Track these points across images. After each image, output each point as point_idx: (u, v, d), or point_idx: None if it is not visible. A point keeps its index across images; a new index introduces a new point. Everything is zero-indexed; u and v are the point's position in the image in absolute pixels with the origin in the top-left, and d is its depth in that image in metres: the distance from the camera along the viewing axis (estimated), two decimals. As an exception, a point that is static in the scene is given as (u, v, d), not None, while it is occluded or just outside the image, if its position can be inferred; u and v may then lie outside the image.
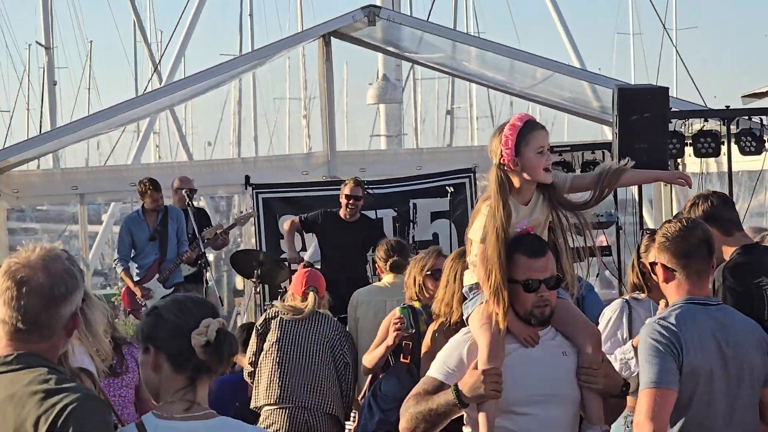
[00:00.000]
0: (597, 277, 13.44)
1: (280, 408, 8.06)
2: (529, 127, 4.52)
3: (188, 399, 3.54)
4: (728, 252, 6.01)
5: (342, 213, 11.64)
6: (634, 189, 13.09)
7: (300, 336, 8.19)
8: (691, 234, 4.74)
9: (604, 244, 13.11)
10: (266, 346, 8.21)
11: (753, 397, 4.67)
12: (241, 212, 13.50)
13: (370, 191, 12.04)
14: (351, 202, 11.51)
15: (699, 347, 4.55)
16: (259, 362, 8.22)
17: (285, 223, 12.12)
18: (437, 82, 59.79)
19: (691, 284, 4.71)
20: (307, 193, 14.01)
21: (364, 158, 15.22)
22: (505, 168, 4.53)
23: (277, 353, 8.15)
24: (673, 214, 13.24)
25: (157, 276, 12.46)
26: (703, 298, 4.73)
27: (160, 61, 26.79)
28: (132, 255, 12.69)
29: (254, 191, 13.92)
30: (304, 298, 8.27)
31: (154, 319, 3.60)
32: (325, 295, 8.37)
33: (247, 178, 14.09)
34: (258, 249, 13.40)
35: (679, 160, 14.24)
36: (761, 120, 12.51)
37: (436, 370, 4.55)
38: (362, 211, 11.74)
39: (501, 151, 4.53)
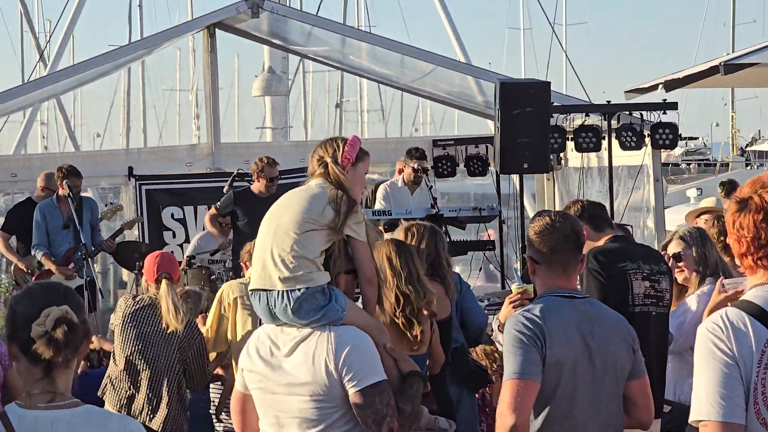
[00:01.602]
0: (480, 270, 13.54)
1: None
2: (364, 151, 4.90)
3: (49, 390, 3.47)
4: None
5: (258, 188, 11.59)
6: (516, 183, 13.22)
7: (145, 331, 7.54)
8: (558, 228, 4.80)
9: (492, 238, 13.21)
10: (116, 340, 7.69)
11: (616, 389, 4.73)
12: (126, 219, 13.28)
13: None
14: (272, 182, 11.53)
15: (563, 339, 4.59)
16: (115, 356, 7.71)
17: (206, 218, 12.11)
18: (328, 75, 59.82)
19: (557, 277, 4.77)
20: (191, 185, 13.92)
21: (248, 150, 15.13)
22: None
23: (121, 349, 7.57)
24: (555, 208, 13.40)
25: (71, 265, 12.13)
26: (570, 290, 4.78)
27: (45, 48, 26.33)
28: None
29: (137, 182, 13.78)
30: (158, 285, 7.56)
31: (9, 311, 3.53)
32: (180, 277, 7.92)
33: (131, 169, 13.95)
34: (140, 241, 13.26)
35: (561, 154, 14.42)
36: (641, 115, 12.72)
37: None
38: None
39: (342, 152, 4.77)
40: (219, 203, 11.72)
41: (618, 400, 4.75)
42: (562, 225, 4.82)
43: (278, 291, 4.60)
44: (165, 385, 7.48)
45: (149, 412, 7.45)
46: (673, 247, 7.05)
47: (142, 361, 7.49)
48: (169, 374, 7.51)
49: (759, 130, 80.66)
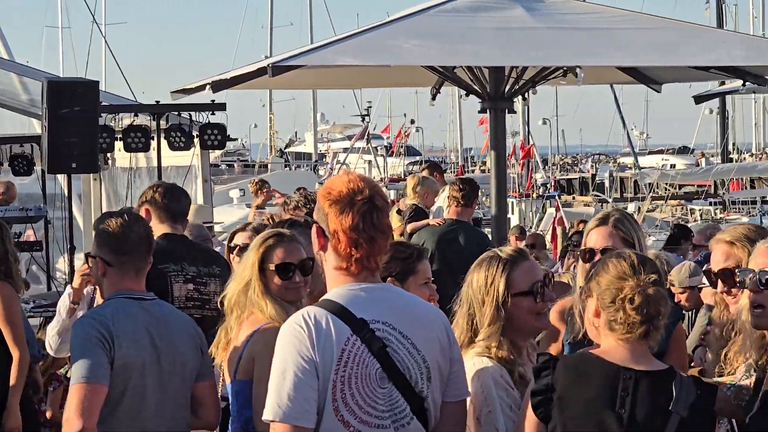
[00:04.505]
0: (27, 273, 13.13)
1: None
2: None
3: None
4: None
5: None
6: (63, 183, 12.92)
7: None
8: (131, 230, 4.74)
9: (33, 239, 12.83)
10: None
11: (185, 390, 4.75)
12: None
13: None
14: None
15: (132, 341, 4.55)
16: None
17: None
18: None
19: (128, 279, 4.72)
20: None
21: None
22: None
23: None
24: (102, 210, 13.23)
25: None
26: (140, 292, 4.74)
27: None
28: None
29: None
30: None
31: None
32: None
33: None
34: None
35: (109, 155, 14.22)
36: (190, 116, 12.75)
37: None
38: None
39: None
40: None
41: (186, 401, 4.76)
42: (137, 227, 4.77)
43: None
44: None
45: None
46: None
47: None
48: None
49: (296, 132, 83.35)
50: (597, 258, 4.85)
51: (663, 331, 3.73)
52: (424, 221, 10.19)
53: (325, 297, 3.72)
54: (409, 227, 10.12)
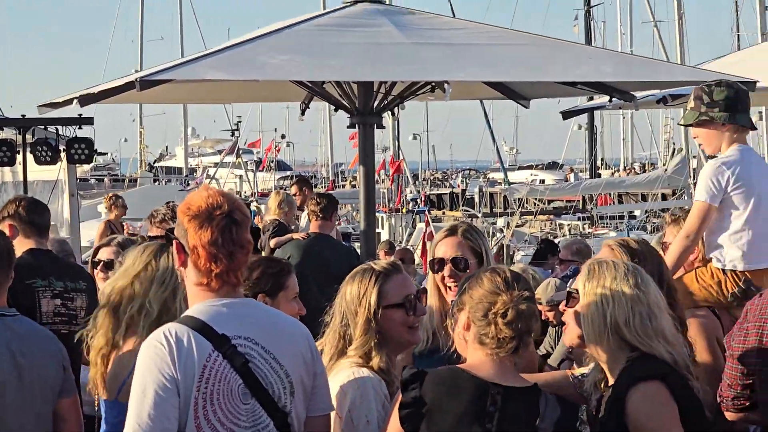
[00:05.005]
0: None
1: None
2: None
3: None
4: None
5: None
6: None
7: None
8: None
9: None
10: None
11: (47, 407, 4.67)
12: None
13: None
14: None
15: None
16: None
17: None
18: None
19: None
20: None
21: None
22: None
23: None
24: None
25: None
26: (1, 308, 4.64)
27: None
28: None
29: None
30: None
31: None
32: None
33: None
34: None
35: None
36: (57, 130, 12.58)
37: None
38: None
39: None
40: None
41: (48, 417, 4.68)
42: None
43: None
44: None
45: None
46: None
47: None
48: None
49: (167, 146, 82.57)
50: (447, 267, 4.93)
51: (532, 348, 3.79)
52: (288, 235, 10.40)
53: (186, 313, 3.69)
54: (273, 242, 10.21)
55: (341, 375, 4.09)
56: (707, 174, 5.83)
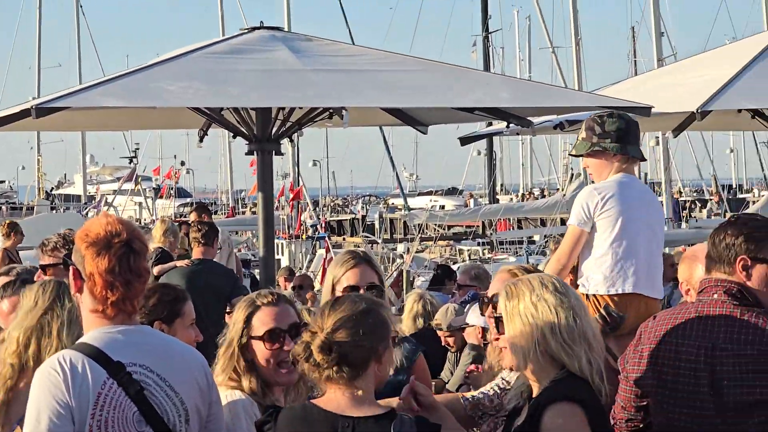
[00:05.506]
0: None
1: None
2: None
3: None
4: None
5: None
6: None
7: None
8: None
9: None
10: None
11: None
12: None
13: None
14: None
15: None
16: None
17: None
18: None
19: None
20: None
21: None
22: None
23: None
24: None
25: None
26: None
27: None
28: None
29: None
30: None
31: None
32: None
33: None
34: None
35: None
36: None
37: None
38: None
39: None
40: None
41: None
42: None
43: None
44: None
45: None
46: None
47: None
48: None
49: (65, 174, 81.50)
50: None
51: (378, 371, 3.71)
52: (171, 263, 10.40)
53: (81, 340, 3.68)
54: (156, 269, 10.19)
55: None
56: (580, 199, 5.97)
